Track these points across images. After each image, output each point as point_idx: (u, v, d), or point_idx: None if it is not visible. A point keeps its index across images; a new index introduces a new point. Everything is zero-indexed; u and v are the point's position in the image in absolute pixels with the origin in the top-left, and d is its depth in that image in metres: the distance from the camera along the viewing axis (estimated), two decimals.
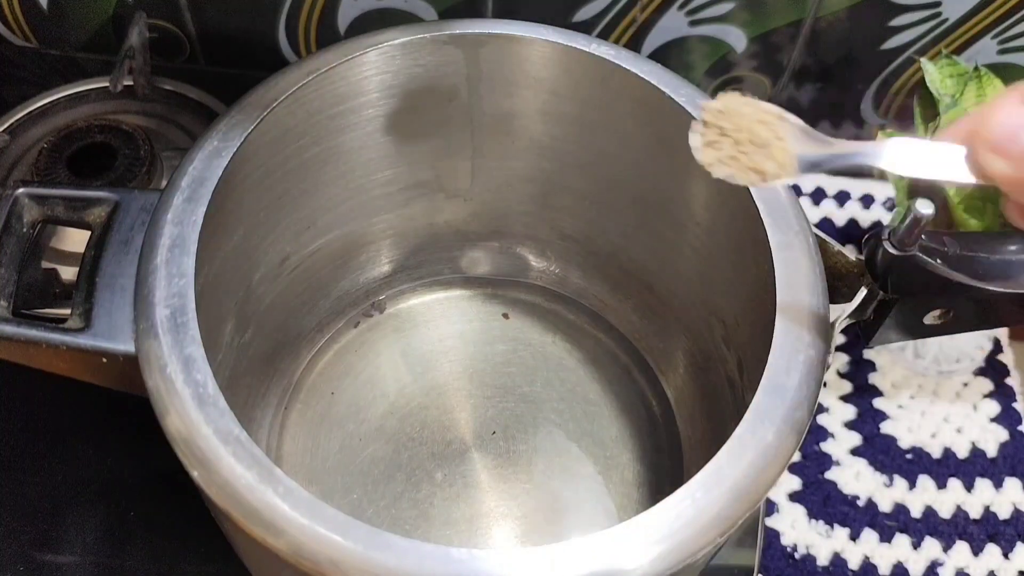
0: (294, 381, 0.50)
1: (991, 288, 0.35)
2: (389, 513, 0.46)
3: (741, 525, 0.31)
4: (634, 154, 0.45)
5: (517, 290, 0.55)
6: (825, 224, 0.62)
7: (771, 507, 0.50)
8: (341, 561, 0.28)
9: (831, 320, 0.35)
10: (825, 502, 0.50)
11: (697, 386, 0.48)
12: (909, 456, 0.52)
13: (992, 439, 0.53)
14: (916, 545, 0.49)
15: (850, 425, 0.53)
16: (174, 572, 0.45)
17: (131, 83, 0.57)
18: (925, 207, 0.33)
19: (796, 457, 0.52)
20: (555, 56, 0.43)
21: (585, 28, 0.58)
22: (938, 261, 0.35)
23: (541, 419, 0.50)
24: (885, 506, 0.50)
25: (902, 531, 0.50)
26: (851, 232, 0.61)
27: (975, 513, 0.50)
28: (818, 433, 0.53)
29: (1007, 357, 0.56)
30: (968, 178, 0.26)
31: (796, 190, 0.60)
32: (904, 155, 0.27)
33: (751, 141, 0.28)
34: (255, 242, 0.43)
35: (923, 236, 0.35)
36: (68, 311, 0.35)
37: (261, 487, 0.30)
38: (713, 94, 0.62)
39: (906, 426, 0.53)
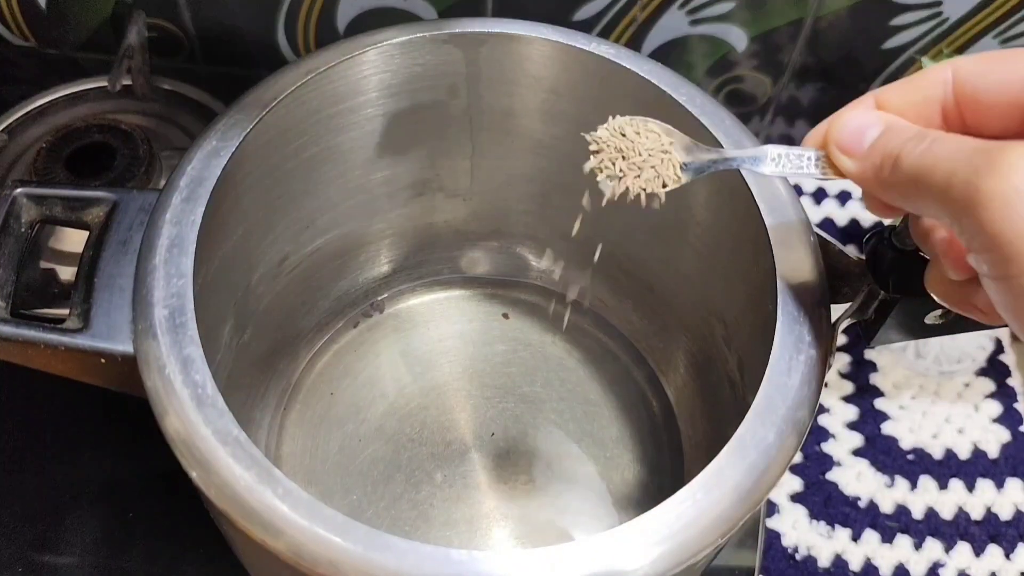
0: (293, 381, 0.50)
1: None
2: (388, 514, 0.46)
3: (742, 526, 0.31)
4: None
5: (517, 290, 0.55)
6: (826, 224, 0.62)
7: (772, 508, 0.50)
8: (340, 562, 0.28)
9: (832, 320, 0.35)
10: (826, 503, 0.50)
11: (697, 386, 0.48)
12: (910, 457, 0.52)
13: (993, 440, 0.53)
14: (918, 546, 0.49)
15: (851, 426, 0.53)
16: (173, 573, 0.45)
17: (130, 83, 0.57)
18: None
19: (797, 458, 0.52)
20: (555, 55, 0.43)
21: (585, 27, 0.58)
22: None
23: (541, 419, 0.49)
24: (886, 507, 0.50)
25: (903, 532, 0.50)
26: (853, 231, 0.61)
27: (976, 514, 0.50)
28: (819, 434, 0.53)
29: (1009, 358, 0.56)
30: (830, 175, 0.29)
31: (798, 190, 0.60)
32: (777, 159, 0.30)
33: (636, 162, 0.31)
34: (254, 242, 0.43)
35: None
36: (67, 311, 0.35)
37: (260, 488, 0.29)
38: (714, 93, 0.62)
39: (907, 427, 0.53)
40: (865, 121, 0.28)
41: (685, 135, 0.32)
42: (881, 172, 0.27)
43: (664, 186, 0.31)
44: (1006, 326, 0.27)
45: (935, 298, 0.31)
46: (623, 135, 0.32)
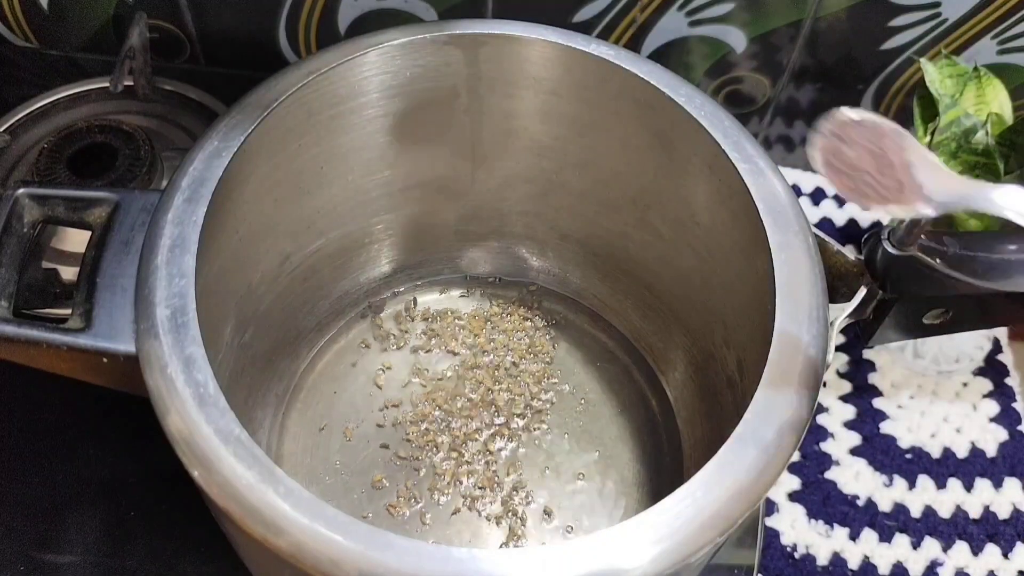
0: (294, 381, 0.50)
1: (990, 288, 0.35)
2: (389, 513, 0.46)
3: (741, 524, 0.31)
4: (634, 154, 0.45)
5: (517, 290, 0.55)
6: (825, 224, 0.62)
7: (771, 507, 0.50)
8: (342, 561, 0.28)
9: (831, 320, 0.35)
10: (825, 502, 0.50)
11: (697, 386, 0.48)
12: (909, 456, 0.52)
13: (991, 439, 0.53)
14: (916, 545, 0.49)
15: (850, 425, 0.53)
16: (174, 572, 0.45)
17: (131, 83, 0.57)
18: None
19: (796, 457, 0.52)
20: (555, 56, 0.43)
21: (585, 28, 0.58)
22: (938, 261, 0.35)
23: (541, 419, 0.50)
24: (885, 506, 0.51)
25: (902, 531, 0.50)
26: (851, 232, 0.62)
27: (975, 513, 0.51)
28: (818, 433, 0.53)
29: (1006, 357, 0.56)
30: None
31: (796, 190, 0.60)
32: None
33: (880, 167, 0.27)
34: (255, 242, 0.43)
35: (922, 236, 0.35)
36: (68, 311, 0.35)
37: (262, 487, 0.30)
38: (713, 94, 0.62)
39: (906, 426, 0.53)
40: None
41: (924, 148, 0.28)
42: None
43: (905, 210, 0.27)
44: None
45: None
46: (864, 130, 0.27)
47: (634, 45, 0.59)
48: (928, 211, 0.26)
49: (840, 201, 0.63)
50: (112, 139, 0.53)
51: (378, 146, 0.46)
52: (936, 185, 0.26)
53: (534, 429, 0.49)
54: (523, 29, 0.43)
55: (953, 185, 0.26)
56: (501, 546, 0.46)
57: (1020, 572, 0.49)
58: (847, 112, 0.27)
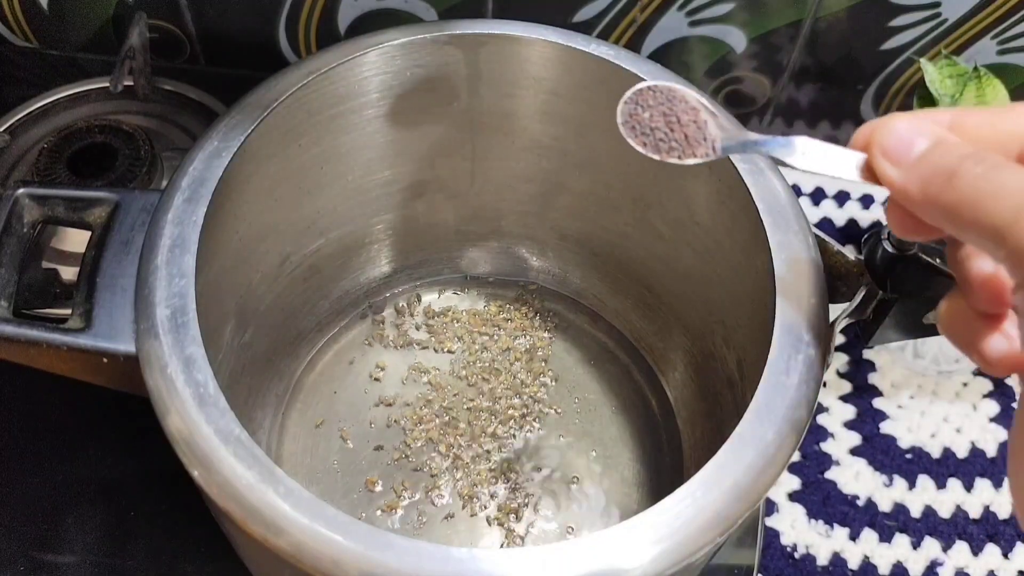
0: (294, 381, 0.50)
1: None
2: (387, 513, 0.46)
3: (741, 524, 0.31)
4: (634, 154, 0.45)
5: (517, 290, 0.55)
6: (825, 224, 0.62)
7: (771, 507, 0.50)
8: (342, 561, 0.28)
9: (831, 320, 0.35)
10: (825, 502, 0.50)
11: (697, 386, 0.48)
12: (909, 456, 0.52)
13: (991, 439, 0.53)
14: (916, 545, 0.49)
15: (850, 425, 0.53)
16: (174, 572, 0.45)
17: (131, 83, 0.57)
18: None
19: (796, 457, 0.52)
20: (555, 56, 0.43)
21: (585, 28, 0.58)
22: (938, 260, 0.35)
23: (541, 419, 0.50)
24: (885, 506, 0.51)
25: (902, 531, 0.50)
26: (851, 232, 0.62)
27: (975, 513, 0.51)
28: (818, 433, 0.53)
29: None
30: (864, 180, 0.28)
31: (796, 190, 0.60)
32: (810, 153, 0.29)
33: (669, 124, 0.31)
34: (255, 242, 0.43)
35: None
36: (68, 311, 0.35)
37: (262, 487, 0.30)
38: (713, 94, 0.62)
39: (906, 426, 0.53)
40: (916, 129, 0.26)
41: (719, 108, 0.31)
42: (928, 187, 0.24)
43: (693, 157, 0.31)
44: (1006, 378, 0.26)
45: (942, 331, 0.29)
46: (660, 97, 0.31)
47: (634, 45, 0.59)
48: (711, 159, 0.30)
49: (840, 201, 0.63)
50: (112, 139, 0.53)
51: (378, 146, 0.46)
52: (727, 136, 0.30)
53: (533, 429, 0.49)
54: (523, 29, 0.43)
55: (742, 136, 0.30)
56: (500, 546, 0.46)
57: (1020, 572, 0.49)
58: (645, 82, 0.31)
